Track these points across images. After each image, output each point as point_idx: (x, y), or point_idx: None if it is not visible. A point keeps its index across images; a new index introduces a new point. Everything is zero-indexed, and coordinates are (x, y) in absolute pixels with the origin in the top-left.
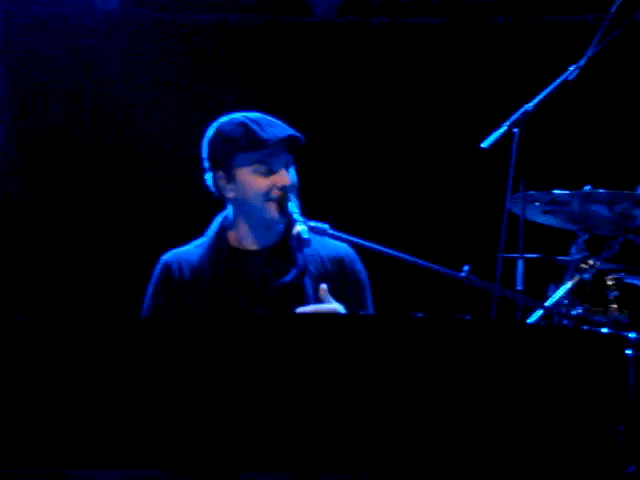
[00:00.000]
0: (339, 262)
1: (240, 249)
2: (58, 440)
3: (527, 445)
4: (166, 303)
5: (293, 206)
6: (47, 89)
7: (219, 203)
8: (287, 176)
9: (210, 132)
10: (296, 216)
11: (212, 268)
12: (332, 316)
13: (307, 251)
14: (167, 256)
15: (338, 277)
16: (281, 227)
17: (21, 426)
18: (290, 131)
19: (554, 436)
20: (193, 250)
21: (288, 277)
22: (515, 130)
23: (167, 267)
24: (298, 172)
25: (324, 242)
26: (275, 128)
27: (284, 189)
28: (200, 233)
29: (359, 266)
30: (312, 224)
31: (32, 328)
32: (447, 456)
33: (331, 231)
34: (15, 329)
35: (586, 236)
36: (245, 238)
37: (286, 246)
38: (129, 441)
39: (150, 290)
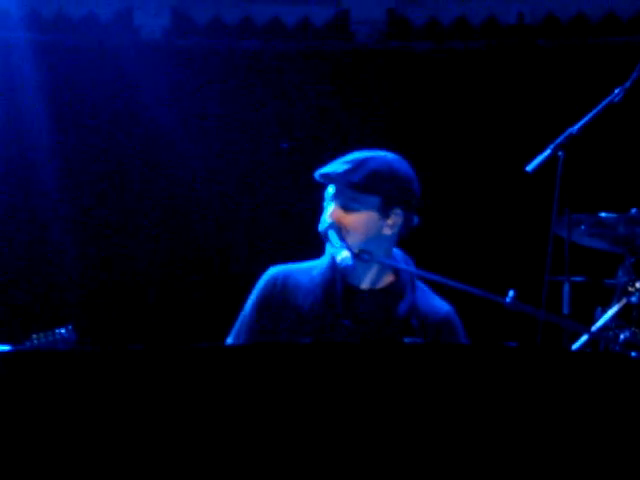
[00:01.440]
0: (447, 324)
1: (352, 286)
2: None
3: (573, 473)
4: (267, 313)
5: (334, 235)
6: (90, 120)
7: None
8: (328, 211)
9: None
10: (338, 243)
11: (322, 295)
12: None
13: (416, 304)
14: (275, 269)
15: (439, 336)
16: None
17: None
18: (321, 170)
19: (602, 462)
20: (304, 270)
21: (396, 314)
22: (560, 153)
23: (273, 279)
24: None
25: (430, 299)
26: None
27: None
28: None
29: (461, 330)
30: (357, 251)
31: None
32: None
33: (377, 258)
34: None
35: (633, 259)
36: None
37: (396, 289)
38: None
39: (251, 299)
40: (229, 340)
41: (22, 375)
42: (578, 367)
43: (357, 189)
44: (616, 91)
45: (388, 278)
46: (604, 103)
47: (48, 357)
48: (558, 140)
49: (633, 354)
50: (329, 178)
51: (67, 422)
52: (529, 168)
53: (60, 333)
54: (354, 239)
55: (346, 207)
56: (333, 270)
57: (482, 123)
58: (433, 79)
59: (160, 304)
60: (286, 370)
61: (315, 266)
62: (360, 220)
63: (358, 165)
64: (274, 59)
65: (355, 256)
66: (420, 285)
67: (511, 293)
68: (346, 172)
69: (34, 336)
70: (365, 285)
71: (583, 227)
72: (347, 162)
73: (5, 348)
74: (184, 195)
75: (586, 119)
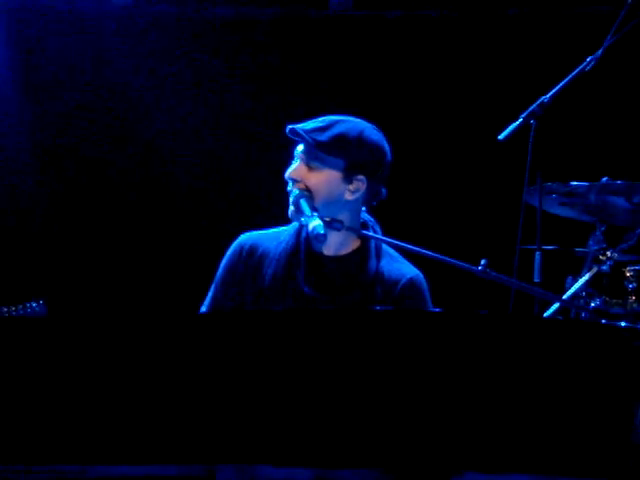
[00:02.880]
0: (410, 290)
1: (316, 252)
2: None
3: (541, 438)
4: (232, 282)
5: (304, 204)
6: (60, 84)
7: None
8: (292, 167)
9: None
10: (309, 212)
11: (285, 263)
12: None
13: (380, 271)
14: (244, 236)
15: (402, 302)
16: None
17: (53, 419)
18: (292, 125)
19: (570, 430)
20: (273, 236)
21: (359, 280)
22: (532, 122)
23: (239, 247)
24: None
25: (396, 264)
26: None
27: (286, 180)
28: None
29: (427, 296)
30: (327, 219)
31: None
32: (466, 449)
33: (347, 225)
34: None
35: (604, 228)
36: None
37: (361, 255)
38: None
39: (221, 265)
40: (202, 308)
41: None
42: (549, 334)
43: (321, 149)
44: (587, 59)
45: (354, 244)
46: (575, 72)
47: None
48: (530, 109)
49: (603, 321)
50: (297, 134)
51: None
52: (501, 137)
53: (31, 306)
54: (317, 199)
55: (309, 166)
56: (297, 236)
57: (454, 91)
58: (404, 47)
59: (137, 269)
60: (248, 339)
61: (282, 232)
62: (321, 179)
63: (328, 126)
64: (246, 26)
65: (327, 224)
66: (388, 251)
67: (483, 262)
68: (314, 130)
69: (4, 309)
70: (329, 251)
71: (554, 196)
72: (318, 122)
73: None
74: (159, 160)
75: (558, 87)
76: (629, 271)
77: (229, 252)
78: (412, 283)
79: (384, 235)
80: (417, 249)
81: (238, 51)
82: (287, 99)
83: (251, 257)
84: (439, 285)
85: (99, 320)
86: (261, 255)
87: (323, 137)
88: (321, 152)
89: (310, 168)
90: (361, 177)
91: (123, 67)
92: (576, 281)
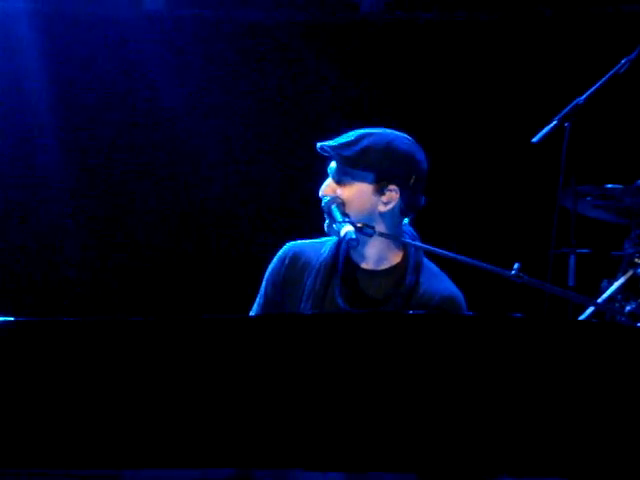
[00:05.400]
0: (445, 307)
1: (354, 265)
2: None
3: (574, 443)
4: (274, 291)
5: (336, 210)
6: (92, 90)
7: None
8: (324, 185)
9: None
10: (340, 217)
11: (324, 274)
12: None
13: (419, 287)
14: (288, 246)
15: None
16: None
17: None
18: (322, 142)
19: (605, 436)
20: (316, 246)
21: (394, 297)
22: (566, 124)
23: (283, 256)
24: None
25: (435, 281)
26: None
27: (320, 198)
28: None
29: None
30: (360, 224)
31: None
32: (500, 453)
33: (380, 232)
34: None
35: (639, 231)
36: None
37: (400, 271)
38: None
39: (265, 275)
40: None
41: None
42: (584, 337)
43: (349, 163)
44: (622, 62)
45: (394, 259)
46: (610, 74)
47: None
48: (564, 111)
49: (639, 325)
50: (325, 151)
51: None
52: (535, 139)
53: None
54: (351, 214)
55: (340, 181)
56: (337, 248)
57: (488, 94)
58: (438, 50)
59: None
60: (281, 343)
61: (326, 242)
62: (352, 193)
63: (355, 140)
64: (277, 30)
65: (358, 230)
66: (429, 267)
67: (516, 266)
68: (341, 146)
69: None
70: (367, 265)
71: (589, 199)
72: (346, 136)
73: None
74: (188, 167)
75: (592, 90)
76: None
77: (273, 261)
78: (450, 300)
79: (417, 244)
80: (451, 254)
81: (269, 56)
82: (320, 103)
83: (293, 267)
84: (473, 290)
85: (121, 325)
86: (303, 265)
87: (349, 152)
88: (349, 167)
89: (341, 183)
90: (393, 187)
91: (154, 72)
92: (611, 284)
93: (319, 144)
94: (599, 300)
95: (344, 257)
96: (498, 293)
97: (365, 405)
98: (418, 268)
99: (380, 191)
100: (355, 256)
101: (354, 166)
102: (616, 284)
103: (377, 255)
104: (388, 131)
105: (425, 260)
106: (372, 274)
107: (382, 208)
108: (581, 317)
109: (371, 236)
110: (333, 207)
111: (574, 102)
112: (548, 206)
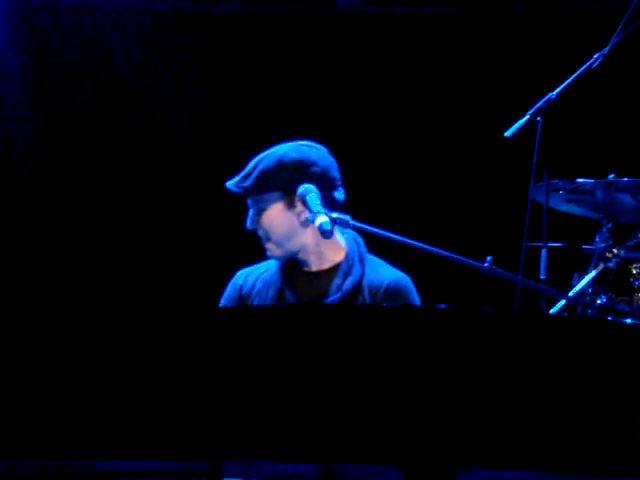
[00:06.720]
0: (394, 292)
1: (300, 271)
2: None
3: (545, 434)
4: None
5: (314, 198)
6: (69, 76)
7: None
8: (249, 219)
9: None
10: (317, 208)
11: (273, 288)
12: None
13: (364, 278)
14: (238, 274)
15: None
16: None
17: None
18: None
19: (575, 426)
20: (263, 267)
21: (337, 295)
22: (538, 119)
23: (233, 285)
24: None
25: (380, 270)
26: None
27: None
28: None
29: (415, 299)
30: (334, 215)
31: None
32: (473, 444)
33: (353, 222)
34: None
35: (610, 225)
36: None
37: (343, 267)
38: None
39: (222, 300)
40: None
41: None
42: (555, 331)
43: (253, 192)
44: (595, 56)
45: (336, 256)
46: (582, 69)
47: None
48: (537, 105)
49: (609, 318)
50: (231, 190)
51: None
52: (507, 133)
53: None
54: (277, 238)
55: (258, 210)
56: (282, 263)
57: (460, 88)
58: (412, 44)
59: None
60: (252, 336)
61: (271, 264)
62: (272, 216)
63: (251, 169)
64: (252, 22)
65: (333, 220)
66: (372, 258)
67: (489, 258)
68: (241, 179)
69: None
70: (310, 269)
71: (561, 193)
72: (245, 169)
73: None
74: (165, 157)
75: (565, 84)
76: (635, 268)
77: (227, 289)
78: (396, 285)
79: (390, 235)
80: (424, 246)
81: (243, 48)
82: (292, 96)
83: (247, 291)
84: (444, 282)
85: (108, 315)
86: (253, 287)
87: (250, 181)
88: (255, 195)
89: (260, 212)
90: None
91: (128, 62)
92: (582, 278)
93: (225, 185)
94: (570, 293)
95: (284, 269)
96: (470, 286)
97: (337, 396)
98: (362, 260)
99: (291, 204)
100: (297, 262)
101: (259, 192)
102: (587, 278)
103: (318, 258)
104: (281, 146)
105: (368, 254)
106: (317, 275)
107: (302, 218)
108: (552, 310)
109: (347, 226)
110: (307, 198)
111: (546, 97)
112: (520, 200)
